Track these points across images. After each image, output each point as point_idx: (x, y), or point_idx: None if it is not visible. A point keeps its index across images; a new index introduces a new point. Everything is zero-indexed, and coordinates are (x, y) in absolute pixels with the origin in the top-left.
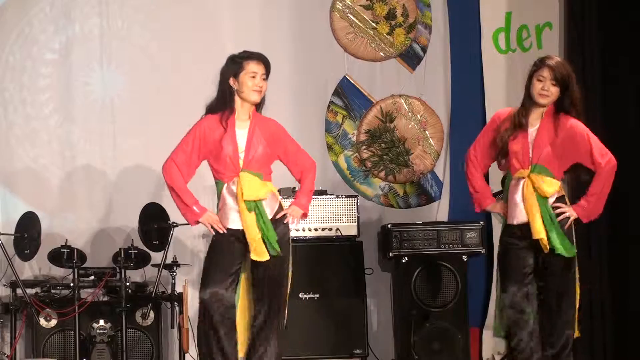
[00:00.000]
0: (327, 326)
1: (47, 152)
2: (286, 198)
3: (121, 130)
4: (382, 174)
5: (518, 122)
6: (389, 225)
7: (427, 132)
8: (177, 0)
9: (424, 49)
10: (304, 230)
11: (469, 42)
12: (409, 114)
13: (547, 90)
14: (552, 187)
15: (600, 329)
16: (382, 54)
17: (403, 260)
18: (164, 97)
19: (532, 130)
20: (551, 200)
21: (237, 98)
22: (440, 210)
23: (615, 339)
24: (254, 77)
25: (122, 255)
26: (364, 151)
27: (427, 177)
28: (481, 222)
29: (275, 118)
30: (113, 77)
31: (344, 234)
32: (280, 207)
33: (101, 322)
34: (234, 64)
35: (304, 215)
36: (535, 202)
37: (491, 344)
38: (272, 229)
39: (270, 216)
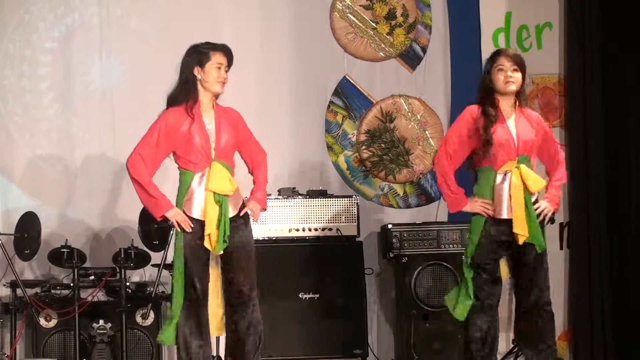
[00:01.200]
0: (327, 326)
1: (46, 143)
2: (285, 198)
3: (120, 120)
4: (382, 174)
5: (494, 115)
6: (389, 225)
7: (427, 132)
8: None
9: (424, 49)
10: (304, 230)
11: (469, 42)
12: (409, 114)
13: (511, 77)
14: (538, 185)
15: (600, 328)
16: (382, 54)
17: (403, 260)
18: (163, 87)
19: (510, 122)
20: (533, 198)
21: (200, 88)
22: (440, 210)
23: (615, 339)
24: (219, 68)
25: (122, 255)
26: (364, 151)
27: (427, 177)
28: None
29: (274, 118)
30: (112, 67)
31: (344, 234)
32: (243, 205)
33: (101, 322)
34: (200, 54)
35: (264, 209)
36: (521, 196)
37: None
38: (228, 227)
39: (234, 213)
